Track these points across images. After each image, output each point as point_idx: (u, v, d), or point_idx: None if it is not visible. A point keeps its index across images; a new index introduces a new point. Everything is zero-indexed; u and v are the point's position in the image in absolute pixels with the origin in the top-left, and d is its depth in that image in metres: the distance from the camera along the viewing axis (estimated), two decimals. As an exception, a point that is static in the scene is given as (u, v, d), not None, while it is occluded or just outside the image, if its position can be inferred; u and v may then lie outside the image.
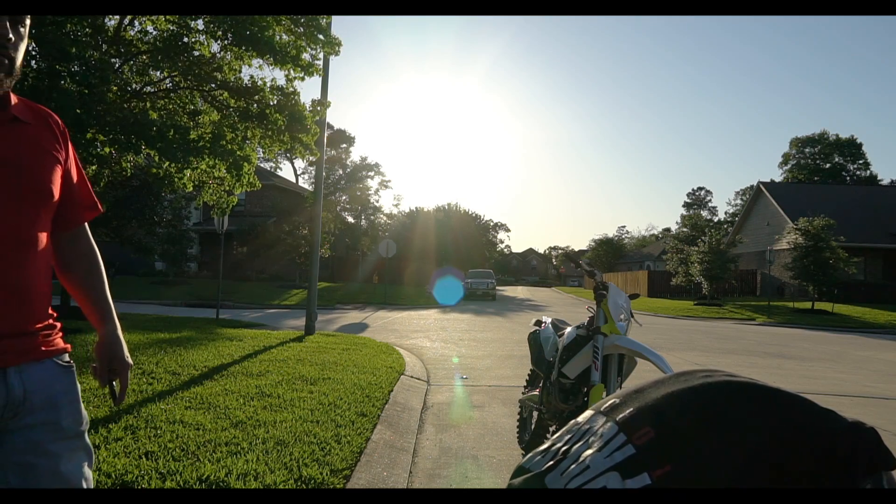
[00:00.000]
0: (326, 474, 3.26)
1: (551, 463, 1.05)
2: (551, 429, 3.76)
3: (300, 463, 3.39)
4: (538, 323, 4.38)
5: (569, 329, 3.68)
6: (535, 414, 4.07)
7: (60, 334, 1.40)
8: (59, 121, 1.40)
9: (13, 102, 1.29)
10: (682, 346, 11.72)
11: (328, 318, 15.64)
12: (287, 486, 3.04)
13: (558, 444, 1.10)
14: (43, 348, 1.31)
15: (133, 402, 4.59)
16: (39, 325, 1.31)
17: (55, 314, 1.40)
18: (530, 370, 4.45)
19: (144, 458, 3.29)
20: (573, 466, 0.99)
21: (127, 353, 1.51)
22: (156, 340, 8.13)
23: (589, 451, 1.00)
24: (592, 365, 3.19)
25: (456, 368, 7.83)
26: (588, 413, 1.15)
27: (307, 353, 7.74)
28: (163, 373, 5.79)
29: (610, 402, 1.11)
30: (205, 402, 4.67)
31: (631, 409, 1.02)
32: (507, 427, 4.87)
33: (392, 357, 7.83)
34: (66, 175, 1.38)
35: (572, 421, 1.18)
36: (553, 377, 3.62)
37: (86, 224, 1.49)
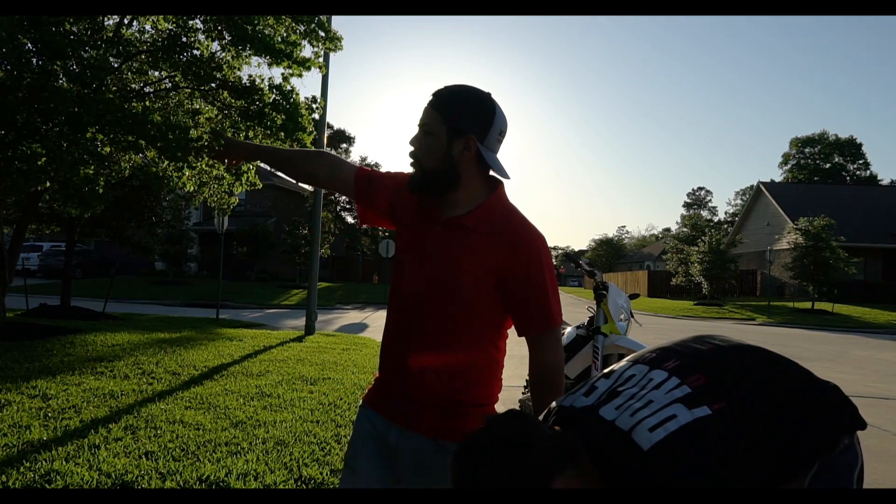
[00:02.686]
0: (326, 474, 3.26)
1: (604, 398, 1.14)
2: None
3: (300, 463, 3.39)
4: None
5: (569, 329, 3.68)
6: (535, 414, 4.07)
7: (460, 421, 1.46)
8: (523, 239, 1.45)
9: (481, 212, 1.46)
10: (682, 345, 11.72)
11: (328, 318, 15.64)
12: (287, 486, 3.04)
13: (600, 386, 1.19)
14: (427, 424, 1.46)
15: (133, 402, 4.59)
16: (439, 402, 1.46)
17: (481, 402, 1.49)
18: (530, 370, 4.44)
19: (144, 458, 3.29)
20: (633, 402, 1.09)
21: None
22: (156, 340, 8.12)
23: (644, 392, 1.10)
24: (592, 365, 3.19)
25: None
26: (624, 363, 1.24)
27: (307, 353, 7.74)
28: (163, 373, 5.79)
29: (645, 355, 1.22)
30: (205, 402, 4.66)
31: (675, 361, 1.15)
32: (508, 427, 4.86)
33: (392, 357, 7.82)
34: (508, 285, 1.45)
35: (607, 369, 1.25)
36: (553, 377, 3.61)
37: (547, 336, 1.48)
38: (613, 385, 1.16)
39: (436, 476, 1.42)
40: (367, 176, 1.64)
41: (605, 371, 1.24)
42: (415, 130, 1.48)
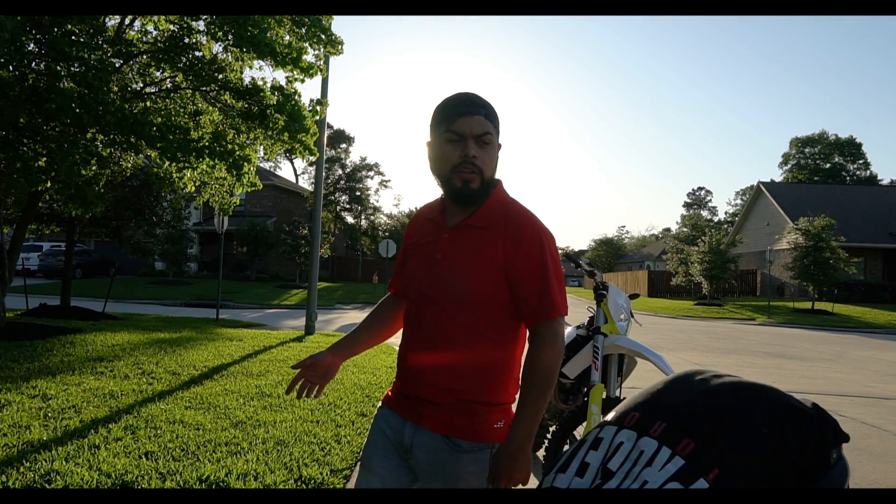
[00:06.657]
0: (326, 474, 3.26)
1: (599, 482, 1.11)
2: (551, 429, 3.76)
3: (300, 463, 3.39)
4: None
5: (568, 329, 3.68)
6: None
7: (488, 422, 1.48)
8: (523, 227, 1.48)
9: (485, 210, 1.50)
10: (682, 346, 11.72)
11: (328, 318, 15.64)
12: (287, 486, 3.04)
13: (591, 462, 1.16)
14: (444, 423, 1.47)
15: (133, 402, 4.59)
16: (452, 402, 1.47)
17: (501, 402, 1.50)
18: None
19: (144, 458, 3.30)
20: (629, 482, 1.07)
21: (511, 472, 1.41)
22: (156, 340, 8.13)
23: (637, 468, 1.08)
24: (592, 365, 3.19)
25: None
26: (610, 427, 1.21)
27: (307, 353, 7.74)
28: (163, 373, 5.79)
29: (631, 416, 1.19)
30: (205, 402, 4.67)
31: (661, 423, 1.13)
32: (507, 427, 4.86)
33: (392, 357, 7.84)
34: (511, 275, 1.46)
35: (591, 435, 1.21)
36: (553, 377, 3.61)
37: (546, 326, 1.46)
38: (605, 459, 1.14)
39: (449, 474, 1.44)
40: (399, 275, 1.74)
41: (592, 439, 1.21)
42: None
